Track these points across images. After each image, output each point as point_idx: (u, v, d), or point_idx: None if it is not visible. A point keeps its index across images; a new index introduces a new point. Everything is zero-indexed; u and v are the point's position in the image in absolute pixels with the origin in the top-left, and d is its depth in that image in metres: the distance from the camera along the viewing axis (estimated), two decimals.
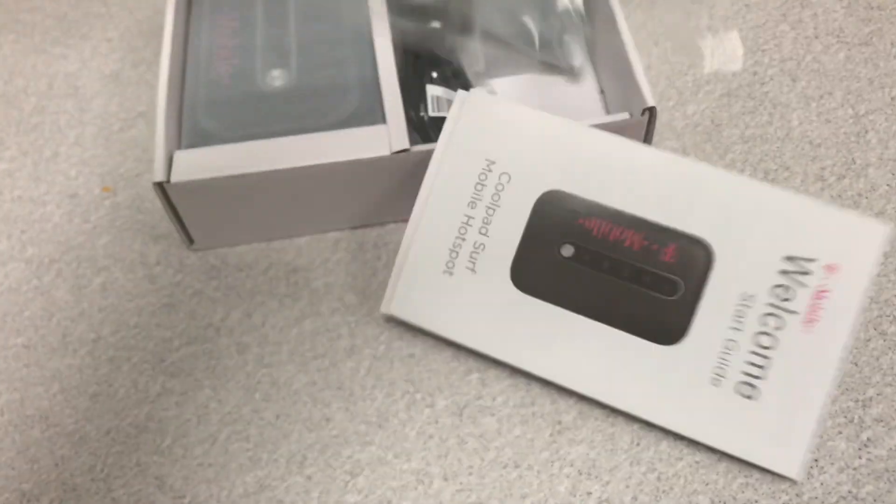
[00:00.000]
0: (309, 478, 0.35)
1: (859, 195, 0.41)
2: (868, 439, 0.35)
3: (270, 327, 0.39)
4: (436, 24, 0.43)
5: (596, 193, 0.35)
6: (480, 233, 0.36)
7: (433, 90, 0.41)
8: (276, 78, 0.42)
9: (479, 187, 0.36)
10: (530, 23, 0.44)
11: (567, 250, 0.35)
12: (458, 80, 0.43)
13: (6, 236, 0.43)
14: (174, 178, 0.38)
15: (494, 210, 0.36)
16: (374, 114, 0.40)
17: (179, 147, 0.40)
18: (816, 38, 0.48)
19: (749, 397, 0.32)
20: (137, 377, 0.38)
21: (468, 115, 0.37)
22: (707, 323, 0.34)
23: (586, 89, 0.46)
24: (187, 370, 0.38)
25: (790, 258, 0.33)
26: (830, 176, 0.42)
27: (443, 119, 0.41)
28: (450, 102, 0.41)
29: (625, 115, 0.39)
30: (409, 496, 0.34)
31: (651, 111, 0.38)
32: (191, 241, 0.42)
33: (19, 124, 0.48)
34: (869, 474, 0.34)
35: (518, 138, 0.36)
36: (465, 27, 0.44)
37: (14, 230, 0.44)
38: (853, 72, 0.46)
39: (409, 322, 0.36)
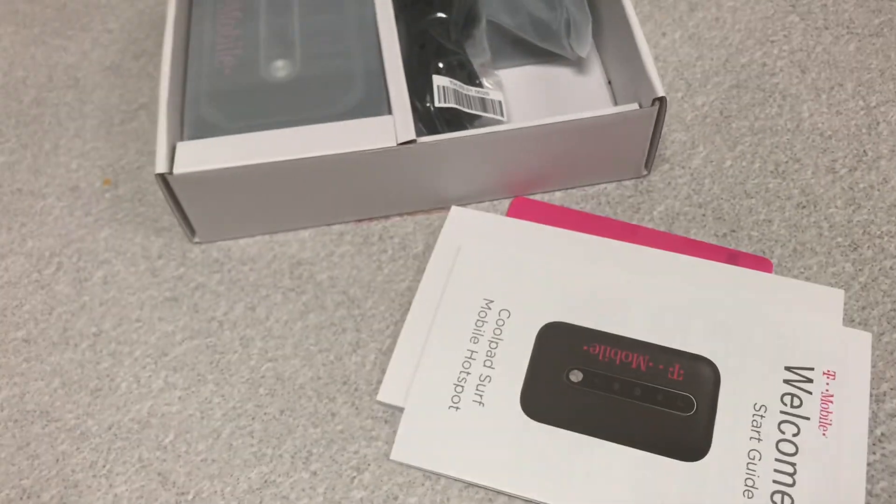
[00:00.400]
0: (314, 473, 0.35)
1: (871, 187, 0.41)
2: (882, 434, 0.34)
3: (274, 321, 0.39)
4: (441, 14, 0.43)
5: (595, 322, 0.36)
6: (485, 365, 0.36)
7: (439, 80, 0.41)
8: (280, 68, 0.42)
9: (479, 323, 0.37)
10: (536, 13, 0.44)
11: (575, 376, 0.35)
12: (463, 70, 0.42)
13: (6, 229, 0.43)
14: (177, 170, 0.37)
15: (497, 343, 0.36)
16: (379, 104, 0.40)
17: (182, 138, 0.40)
18: (826, 28, 0.47)
19: None
20: (139, 371, 0.38)
21: (462, 264, 0.38)
22: (727, 435, 0.33)
23: (593, 80, 0.45)
24: (190, 364, 0.38)
25: (789, 368, 0.35)
26: (842, 168, 0.42)
27: (449, 110, 0.40)
28: (456, 93, 0.41)
29: (633, 106, 0.39)
30: (416, 492, 0.34)
31: (661, 101, 0.38)
32: (193, 233, 0.41)
33: (19, 116, 0.47)
34: (883, 470, 0.33)
35: (513, 279, 0.38)
36: (471, 17, 0.44)
37: (14, 223, 0.43)
38: (864, 63, 0.45)
39: (418, 467, 0.34)
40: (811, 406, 0.34)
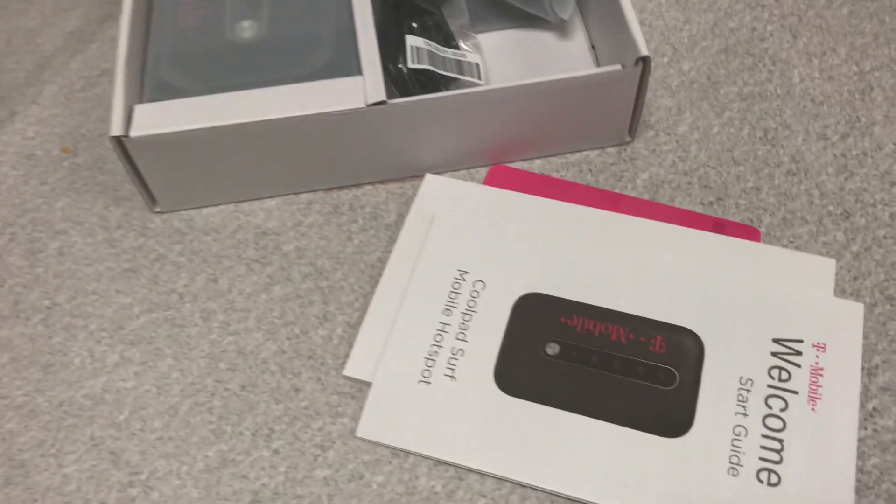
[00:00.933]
0: (276, 452, 0.33)
1: (864, 154, 0.39)
2: (874, 409, 0.33)
3: (237, 293, 0.37)
4: None
5: (573, 294, 0.35)
6: (458, 338, 0.34)
7: (413, 41, 0.39)
8: (246, 29, 0.40)
9: (453, 295, 0.35)
10: None
11: (552, 348, 0.33)
12: (439, 31, 0.40)
13: None
14: (133, 133, 0.35)
15: (471, 316, 0.34)
16: (349, 65, 0.37)
17: (142, 101, 0.37)
18: None
19: (772, 484, 0.30)
20: (94, 346, 0.36)
21: (436, 233, 0.36)
22: (711, 410, 0.32)
23: (576, 44, 0.43)
24: (148, 338, 0.36)
25: (777, 340, 0.33)
26: (833, 135, 0.40)
27: (424, 72, 0.38)
28: (430, 54, 0.39)
29: (617, 67, 0.37)
30: (383, 470, 0.32)
31: (645, 61, 0.36)
32: (154, 202, 0.39)
33: None
34: (875, 446, 0.32)
35: (488, 249, 0.36)
36: None
37: None
38: (857, 27, 0.44)
39: (386, 444, 0.32)
40: (800, 380, 0.32)
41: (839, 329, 0.33)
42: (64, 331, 0.36)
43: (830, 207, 0.38)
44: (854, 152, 0.39)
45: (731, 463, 0.31)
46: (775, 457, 0.31)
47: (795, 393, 0.32)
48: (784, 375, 0.32)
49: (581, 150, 0.40)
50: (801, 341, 0.33)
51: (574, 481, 0.31)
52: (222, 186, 0.39)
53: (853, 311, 0.34)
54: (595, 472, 0.31)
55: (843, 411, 0.31)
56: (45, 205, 0.40)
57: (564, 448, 0.31)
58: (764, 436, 0.31)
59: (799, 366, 0.32)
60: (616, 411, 0.32)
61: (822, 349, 0.33)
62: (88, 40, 0.47)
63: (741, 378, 0.32)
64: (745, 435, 0.31)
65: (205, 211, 0.39)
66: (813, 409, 0.32)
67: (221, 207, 0.39)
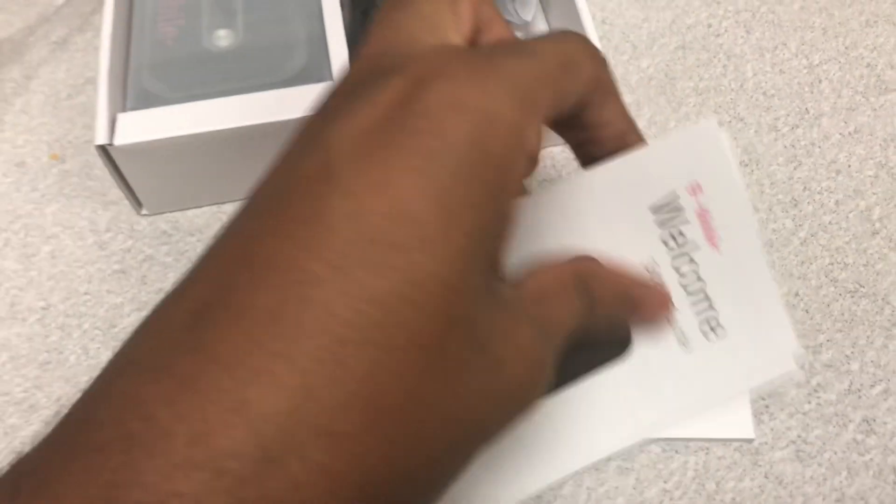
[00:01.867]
0: None
1: (812, 144, 0.41)
2: (818, 384, 0.35)
3: None
4: None
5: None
6: None
7: None
8: (223, 38, 0.42)
9: None
10: None
11: None
12: None
13: None
14: (117, 141, 0.37)
15: None
16: (321, 71, 0.39)
17: (124, 111, 0.39)
18: None
19: (720, 336, 0.31)
20: (88, 343, 0.38)
21: None
22: None
23: None
24: None
25: (654, 209, 0.30)
26: (784, 126, 0.42)
27: None
28: None
29: None
30: None
31: None
32: (140, 206, 0.41)
33: None
34: (818, 418, 0.34)
35: None
36: None
37: None
38: (807, 21, 0.46)
39: None
40: (693, 232, 0.30)
41: (704, 158, 0.30)
42: (59, 330, 0.38)
43: (780, 196, 0.40)
44: (803, 143, 0.41)
45: (678, 340, 0.31)
46: (706, 306, 0.31)
47: (697, 246, 0.31)
48: (679, 239, 0.31)
49: (543, 148, 0.42)
50: (675, 195, 0.30)
51: (577, 454, 0.32)
52: (205, 189, 0.41)
53: (707, 131, 0.30)
54: (587, 433, 0.32)
55: (743, 233, 0.30)
56: (36, 210, 0.42)
57: (554, 433, 0.32)
58: (689, 297, 0.31)
59: (688, 221, 0.30)
60: (573, 371, 0.32)
61: (697, 189, 0.30)
62: (73, 49, 0.48)
63: (646, 266, 0.31)
64: (676, 308, 0.31)
65: (189, 213, 0.41)
66: (717, 250, 0.31)
67: (205, 209, 0.41)
